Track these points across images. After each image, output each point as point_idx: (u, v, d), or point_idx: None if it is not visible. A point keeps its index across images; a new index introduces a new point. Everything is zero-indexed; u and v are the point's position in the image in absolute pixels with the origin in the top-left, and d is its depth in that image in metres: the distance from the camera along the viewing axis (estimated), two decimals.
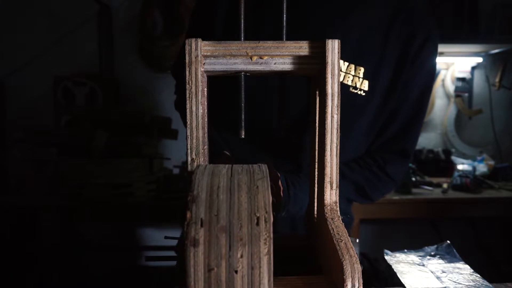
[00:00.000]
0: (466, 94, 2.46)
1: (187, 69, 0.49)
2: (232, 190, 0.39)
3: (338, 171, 0.50)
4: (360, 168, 0.87)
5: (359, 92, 0.80)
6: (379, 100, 0.83)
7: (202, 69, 0.49)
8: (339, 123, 0.50)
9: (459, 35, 2.16)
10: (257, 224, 0.37)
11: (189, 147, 0.49)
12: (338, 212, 0.50)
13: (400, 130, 0.87)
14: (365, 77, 0.80)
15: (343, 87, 0.79)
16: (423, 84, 0.84)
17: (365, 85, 0.80)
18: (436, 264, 0.72)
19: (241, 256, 0.36)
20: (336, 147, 0.50)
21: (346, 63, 0.79)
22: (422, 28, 0.81)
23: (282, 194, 0.70)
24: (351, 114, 0.81)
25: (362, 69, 0.80)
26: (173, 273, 0.43)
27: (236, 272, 0.36)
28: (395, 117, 0.85)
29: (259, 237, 0.36)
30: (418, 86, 0.84)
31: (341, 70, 0.79)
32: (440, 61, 2.40)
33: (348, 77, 0.80)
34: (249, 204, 0.38)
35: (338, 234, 0.46)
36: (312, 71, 0.51)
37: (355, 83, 0.80)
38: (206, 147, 0.50)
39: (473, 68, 2.46)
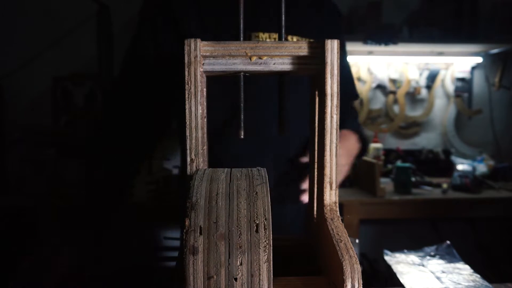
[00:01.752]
0: (466, 94, 2.46)
1: (186, 69, 0.48)
2: (231, 196, 0.39)
3: (337, 171, 0.50)
4: None
5: None
6: None
7: (201, 70, 0.49)
8: (338, 123, 0.50)
9: (459, 35, 2.16)
10: (256, 231, 0.37)
11: (188, 147, 0.49)
12: (338, 212, 0.50)
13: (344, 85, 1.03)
14: None
15: None
16: (344, 47, 1.09)
17: None
18: (436, 264, 0.72)
19: (241, 264, 0.36)
20: (336, 147, 0.50)
21: (296, 37, 0.91)
22: (337, 10, 1.04)
23: None
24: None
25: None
26: (173, 272, 0.43)
27: (235, 279, 0.35)
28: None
29: (259, 244, 0.36)
30: (344, 51, 1.08)
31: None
32: (440, 61, 2.40)
33: None
34: (248, 211, 0.38)
35: (338, 234, 0.46)
36: (311, 71, 0.51)
37: None
38: (205, 147, 0.50)
39: (473, 68, 2.46)
